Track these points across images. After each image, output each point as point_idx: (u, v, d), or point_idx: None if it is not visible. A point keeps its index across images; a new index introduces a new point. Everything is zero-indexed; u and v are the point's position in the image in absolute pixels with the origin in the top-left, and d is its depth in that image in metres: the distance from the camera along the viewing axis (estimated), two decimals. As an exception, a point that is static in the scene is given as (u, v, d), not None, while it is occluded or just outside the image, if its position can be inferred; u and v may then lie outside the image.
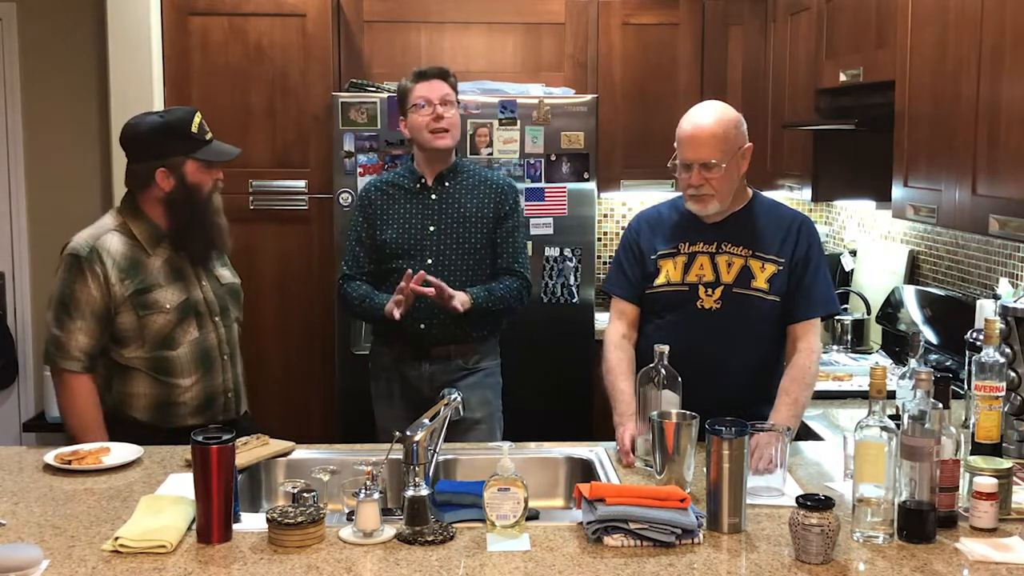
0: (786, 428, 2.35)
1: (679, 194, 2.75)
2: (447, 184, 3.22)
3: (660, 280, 2.69)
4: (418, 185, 3.22)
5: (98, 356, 2.69)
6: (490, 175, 3.29)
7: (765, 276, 2.63)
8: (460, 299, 3.02)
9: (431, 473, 2.16)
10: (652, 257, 2.72)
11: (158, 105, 4.17)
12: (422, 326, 3.11)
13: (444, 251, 3.17)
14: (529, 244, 3.96)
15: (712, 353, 2.61)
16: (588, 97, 4.15)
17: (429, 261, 3.14)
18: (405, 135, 3.24)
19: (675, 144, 2.64)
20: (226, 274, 2.87)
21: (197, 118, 2.71)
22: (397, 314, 2.97)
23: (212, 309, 2.77)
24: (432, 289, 2.95)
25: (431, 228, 3.18)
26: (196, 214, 2.71)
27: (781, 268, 2.64)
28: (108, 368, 2.72)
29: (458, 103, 3.23)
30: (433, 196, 3.21)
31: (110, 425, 2.72)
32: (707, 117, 2.60)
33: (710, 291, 2.64)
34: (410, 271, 2.97)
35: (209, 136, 2.74)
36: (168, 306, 2.68)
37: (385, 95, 4.08)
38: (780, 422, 2.41)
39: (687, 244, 2.69)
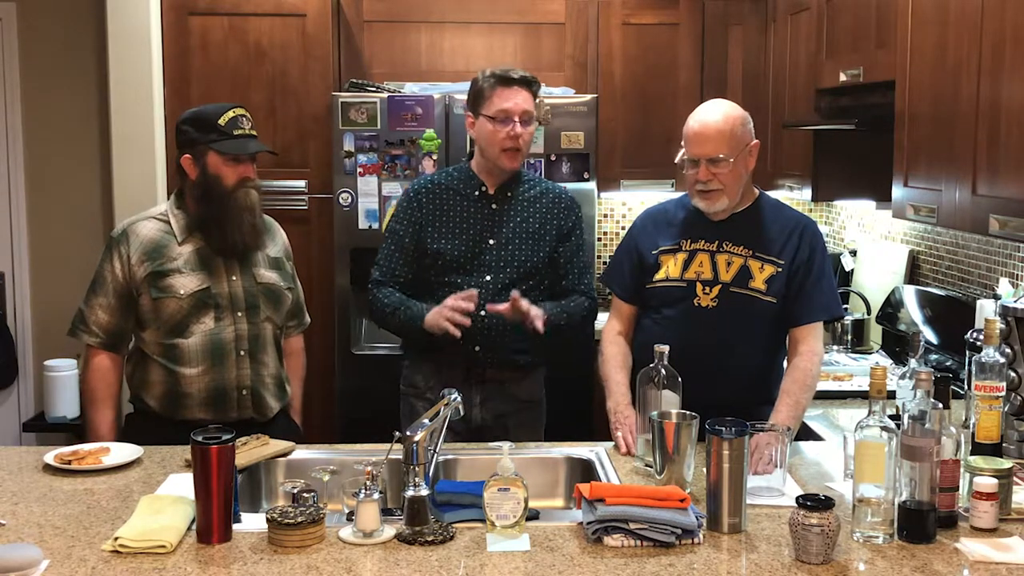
0: (786, 428, 2.35)
1: (685, 192, 2.76)
2: (509, 195, 2.95)
3: (659, 275, 2.70)
4: (477, 193, 2.94)
5: (121, 336, 2.79)
6: (552, 187, 3.04)
7: (763, 277, 2.63)
8: (537, 313, 2.74)
9: (431, 473, 2.16)
10: (653, 252, 2.73)
11: (158, 105, 4.18)
12: (476, 348, 2.87)
13: (504, 268, 2.89)
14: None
15: (709, 351, 2.61)
16: (588, 97, 4.15)
17: (487, 278, 2.88)
18: (469, 133, 2.98)
19: (682, 142, 2.65)
20: (270, 275, 2.84)
21: (231, 113, 2.74)
22: (455, 330, 2.70)
23: (236, 304, 2.76)
24: (506, 306, 2.71)
25: (491, 242, 2.90)
26: (215, 205, 2.72)
27: (780, 270, 2.64)
28: (136, 354, 2.80)
29: (536, 117, 2.92)
30: (494, 206, 2.93)
31: (132, 413, 2.81)
32: (714, 114, 2.61)
33: (708, 289, 2.65)
34: (474, 292, 2.75)
35: (240, 132, 2.74)
36: (182, 292, 2.70)
37: (385, 95, 4.09)
38: (780, 423, 2.41)
39: (688, 241, 2.70)
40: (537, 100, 2.95)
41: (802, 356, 2.61)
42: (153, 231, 2.76)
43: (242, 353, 2.76)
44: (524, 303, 2.73)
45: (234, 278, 2.77)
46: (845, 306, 4.04)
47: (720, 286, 2.64)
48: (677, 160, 2.67)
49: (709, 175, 2.59)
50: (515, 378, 2.95)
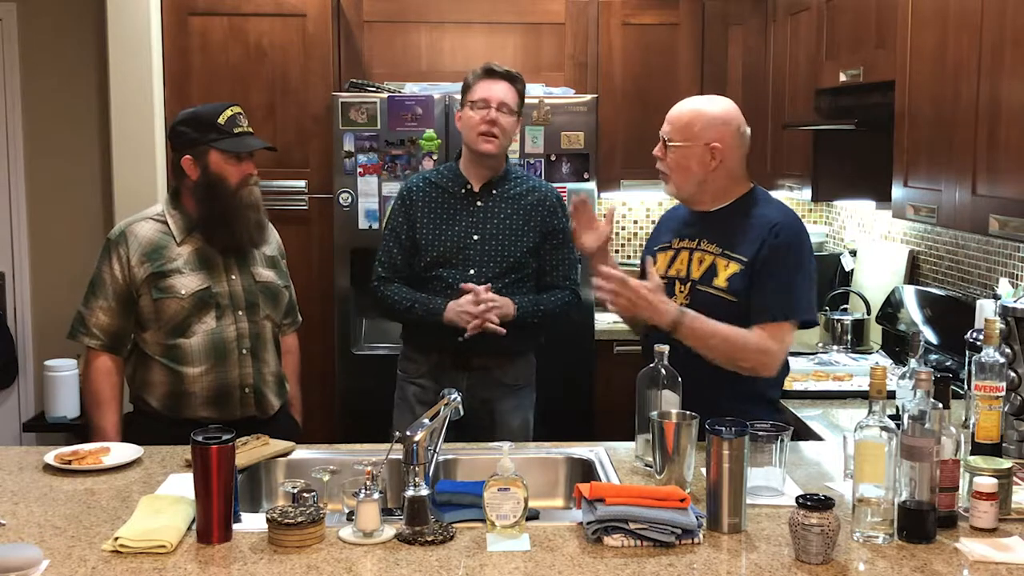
0: (786, 428, 2.34)
1: None
2: (494, 192, 3.11)
3: None
4: (463, 191, 3.11)
5: (122, 338, 2.78)
6: (539, 185, 3.19)
7: (726, 275, 2.57)
8: (506, 308, 2.99)
9: (431, 473, 2.16)
10: (654, 250, 2.75)
11: (158, 105, 4.19)
12: (460, 339, 2.99)
13: (487, 262, 3.06)
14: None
15: (685, 349, 2.54)
16: (588, 97, 4.15)
17: (471, 272, 3.04)
18: (457, 127, 3.15)
19: None
20: (268, 273, 2.87)
21: (229, 112, 2.75)
22: (471, 329, 2.94)
23: (236, 303, 2.77)
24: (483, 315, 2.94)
25: (475, 237, 3.07)
26: (219, 205, 2.74)
27: (743, 268, 2.57)
28: (136, 355, 2.80)
29: (520, 113, 3.10)
30: (479, 203, 3.10)
31: (132, 413, 2.81)
32: (692, 103, 2.65)
33: (682, 287, 2.63)
34: (475, 287, 2.96)
35: (239, 130, 2.75)
36: (183, 292, 2.71)
37: (385, 95, 4.09)
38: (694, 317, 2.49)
39: (678, 239, 2.71)
40: (522, 97, 3.11)
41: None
42: (152, 232, 2.76)
43: (244, 351, 2.78)
44: (485, 296, 2.95)
45: (233, 277, 2.79)
46: (845, 306, 4.04)
47: (690, 284, 2.63)
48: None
49: (660, 152, 2.64)
50: (501, 364, 3.09)
